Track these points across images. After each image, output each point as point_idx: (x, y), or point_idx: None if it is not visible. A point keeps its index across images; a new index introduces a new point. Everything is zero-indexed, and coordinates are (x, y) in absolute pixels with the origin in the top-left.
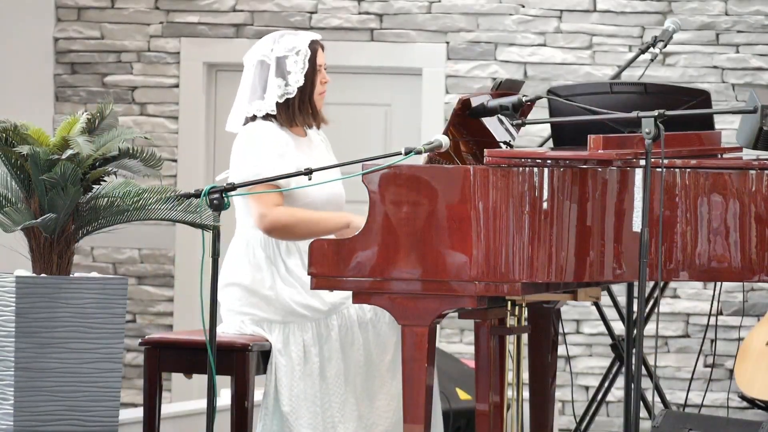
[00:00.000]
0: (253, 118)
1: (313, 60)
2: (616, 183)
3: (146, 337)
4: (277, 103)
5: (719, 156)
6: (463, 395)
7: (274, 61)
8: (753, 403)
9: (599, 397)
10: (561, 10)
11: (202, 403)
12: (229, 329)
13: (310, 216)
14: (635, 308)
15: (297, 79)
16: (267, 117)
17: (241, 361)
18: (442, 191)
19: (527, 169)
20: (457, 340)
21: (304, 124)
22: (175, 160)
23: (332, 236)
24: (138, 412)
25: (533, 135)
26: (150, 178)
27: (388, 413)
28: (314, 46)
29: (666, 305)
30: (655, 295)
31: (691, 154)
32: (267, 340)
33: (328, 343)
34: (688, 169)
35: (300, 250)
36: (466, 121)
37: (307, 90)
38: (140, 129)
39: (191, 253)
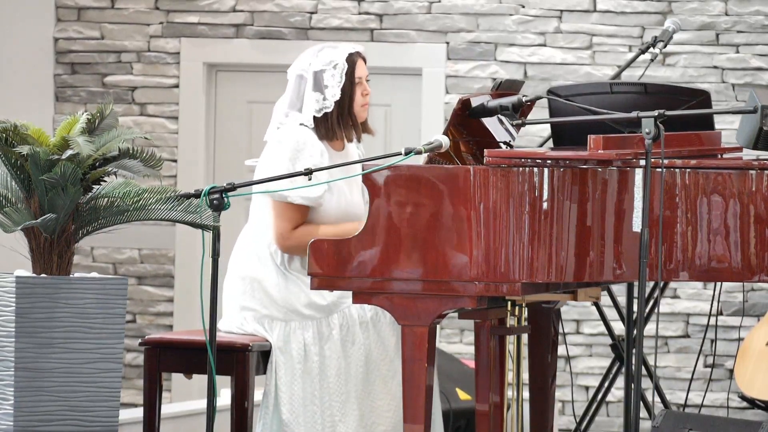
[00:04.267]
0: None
1: (350, 73)
2: (616, 183)
3: (146, 337)
4: (316, 118)
5: (719, 156)
6: (463, 395)
7: (312, 75)
8: (753, 403)
9: (599, 397)
10: (561, 10)
11: (202, 403)
12: (230, 326)
13: (330, 231)
14: (635, 308)
15: (334, 93)
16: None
17: (241, 361)
18: (442, 191)
19: (527, 169)
20: (457, 340)
21: (344, 137)
22: (175, 160)
23: None
24: (138, 412)
25: (533, 135)
26: (150, 179)
27: (388, 413)
28: (352, 58)
29: (666, 305)
30: (655, 295)
31: (691, 154)
32: (267, 340)
33: (329, 342)
34: (688, 169)
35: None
36: (466, 122)
37: (345, 103)
38: (140, 129)
39: (191, 253)
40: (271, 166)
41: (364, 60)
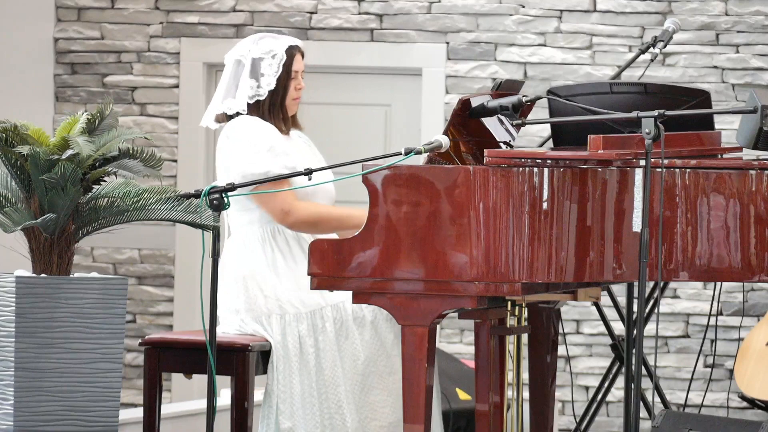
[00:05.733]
0: (225, 116)
1: (288, 65)
2: (616, 183)
3: (146, 337)
4: (248, 104)
5: (719, 156)
6: (463, 395)
7: (250, 61)
8: (753, 403)
9: (599, 397)
10: (561, 10)
11: (202, 403)
12: (228, 329)
13: (335, 212)
14: (635, 308)
15: (269, 82)
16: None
17: (241, 361)
18: (442, 191)
19: (527, 169)
20: (457, 340)
21: (276, 127)
22: (175, 160)
23: (334, 234)
24: (138, 412)
25: (533, 135)
26: (150, 179)
27: (385, 408)
28: (292, 51)
29: (666, 305)
30: (655, 296)
31: (691, 154)
32: (267, 340)
33: (323, 334)
34: (688, 170)
35: (299, 245)
36: (466, 122)
37: (278, 94)
38: (140, 129)
39: (191, 253)
40: (240, 158)
41: (302, 55)
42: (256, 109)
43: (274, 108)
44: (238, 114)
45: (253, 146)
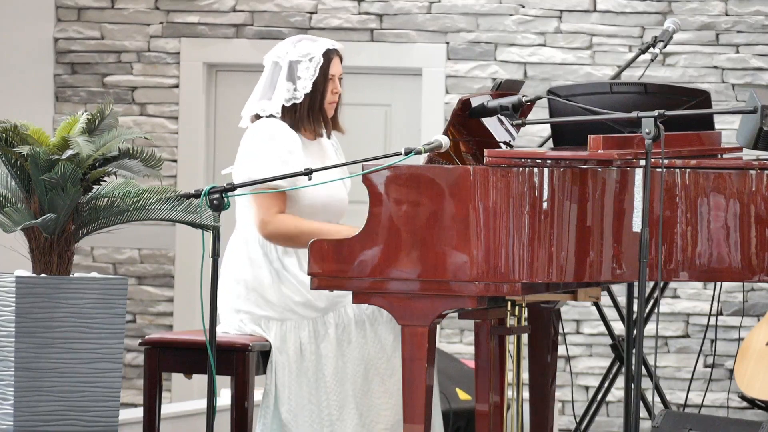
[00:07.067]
0: (256, 116)
1: (325, 68)
2: (616, 183)
3: (146, 337)
4: (284, 107)
5: (719, 156)
6: (463, 395)
7: (287, 64)
8: (753, 403)
9: (599, 397)
10: (561, 10)
11: (202, 403)
12: (228, 328)
13: (312, 227)
14: (635, 308)
15: (305, 86)
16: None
17: (241, 361)
18: (442, 191)
19: (527, 169)
20: (457, 340)
21: (312, 131)
22: (175, 160)
23: None
24: (138, 412)
25: (533, 135)
26: (150, 178)
27: (387, 411)
28: (329, 55)
29: (666, 305)
30: (655, 295)
31: (691, 155)
32: (267, 340)
33: (325, 341)
34: (688, 170)
35: (298, 250)
36: (466, 122)
37: (316, 97)
38: (140, 129)
39: (191, 253)
40: (250, 158)
41: (341, 58)
42: (292, 112)
43: (313, 111)
44: (270, 116)
45: (269, 153)
